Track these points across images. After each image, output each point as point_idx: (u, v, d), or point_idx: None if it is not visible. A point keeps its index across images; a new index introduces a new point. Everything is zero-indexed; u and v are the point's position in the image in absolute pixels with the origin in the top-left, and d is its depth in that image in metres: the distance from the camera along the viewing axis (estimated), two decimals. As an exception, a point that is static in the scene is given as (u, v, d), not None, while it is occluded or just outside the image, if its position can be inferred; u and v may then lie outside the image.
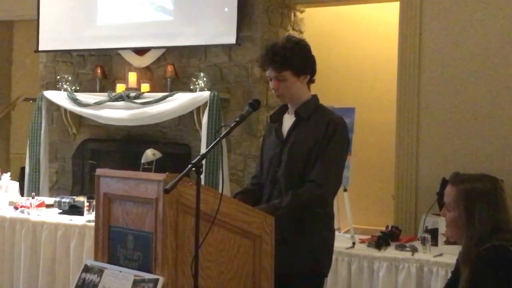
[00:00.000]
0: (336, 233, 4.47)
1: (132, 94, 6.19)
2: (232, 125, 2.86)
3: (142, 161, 5.57)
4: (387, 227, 4.59)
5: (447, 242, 3.91)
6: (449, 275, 2.90)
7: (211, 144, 3.11)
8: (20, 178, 6.92)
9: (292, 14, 6.42)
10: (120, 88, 6.41)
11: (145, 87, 6.33)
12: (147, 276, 2.72)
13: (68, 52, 6.90)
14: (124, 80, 6.48)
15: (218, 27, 6.03)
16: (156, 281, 2.66)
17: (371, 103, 6.65)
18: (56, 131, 6.94)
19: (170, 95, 6.00)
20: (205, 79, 5.94)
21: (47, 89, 6.82)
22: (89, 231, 4.72)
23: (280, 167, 3.13)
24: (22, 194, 6.04)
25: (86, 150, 6.84)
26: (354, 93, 6.69)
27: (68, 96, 6.49)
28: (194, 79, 5.97)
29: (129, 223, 2.89)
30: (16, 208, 5.28)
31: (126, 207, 2.91)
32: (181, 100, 5.95)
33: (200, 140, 5.87)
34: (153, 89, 6.30)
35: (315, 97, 3.22)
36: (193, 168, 2.59)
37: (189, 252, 2.66)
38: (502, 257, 2.46)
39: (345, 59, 7.03)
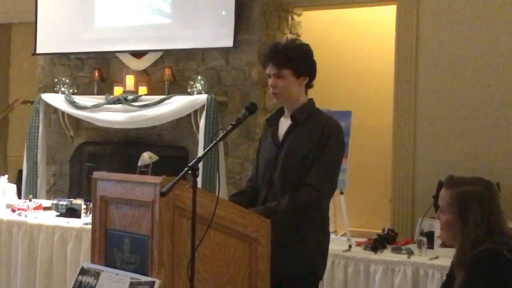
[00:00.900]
0: (333, 236, 4.50)
1: (130, 97, 6.20)
2: (229, 128, 2.87)
3: (139, 164, 5.57)
4: (383, 230, 4.60)
5: (443, 245, 3.92)
6: (445, 278, 2.91)
7: (208, 147, 3.13)
8: (17, 180, 6.92)
9: (290, 17, 6.44)
10: (117, 91, 6.42)
11: (142, 90, 6.34)
12: (143, 278, 2.73)
13: (66, 55, 6.92)
14: (122, 83, 6.49)
15: (215, 30, 6.05)
16: (152, 284, 2.67)
17: (367, 106, 6.66)
18: (53, 134, 6.94)
19: (168, 98, 6.01)
20: (202, 82, 5.95)
21: (44, 92, 6.83)
22: (86, 233, 4.72)
23: (276, 171, 3.14)
24: (19, 196, 6.04)
25: (84, 153, 6.85)
26: (351, 97, 6.70)
27: (66, 99, 6.50)
28: (192, 82, 5.98)
29: (125, 226, 2.90)
30: (13, 210, 5.28)
31: (123, 210, 2.92)
32: (178, 103, 5.96)
33: (198, 143, 5.88)
34: (150, 92, 6.31)
35: (311, 101, 3.23)
36: (190, 171, 2.60)
37: (185, 255, 2.66)
38: (496, 260, 2.47)
39: (342, 62, 7.05)
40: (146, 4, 6.44)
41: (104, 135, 6.73)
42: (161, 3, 6.39)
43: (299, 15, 6.53)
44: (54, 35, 6.86)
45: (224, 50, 6.10)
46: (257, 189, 3.26)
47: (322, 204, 3.12)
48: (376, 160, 6.60)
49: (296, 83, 3.15)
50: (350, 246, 4.31)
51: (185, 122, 6.19)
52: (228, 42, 5.94)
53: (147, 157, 5.57)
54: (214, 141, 2.84)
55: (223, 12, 5.98)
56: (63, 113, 6.66)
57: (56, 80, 6.75)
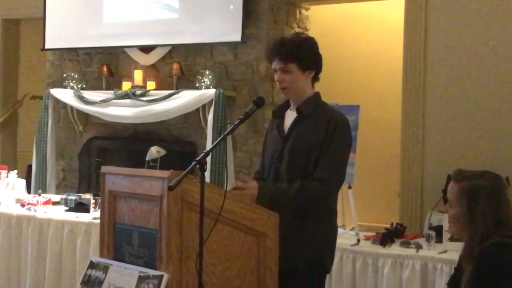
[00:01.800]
0: (341, 230, 4.51)
1: (138, 92, 6.21)
2: (236, 122, 2.87)
3: (147, 158, 5.59)
4: (392, 224, 4.60)
5: (452, 239, 3.91)
6: (453, 271, 2.91)
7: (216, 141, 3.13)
8: (27, 175, 6.96)
9: (298, 11, 6.43)
10: (126, 86, 6.43)
11: (151, 85, 6.35)
12: (152, 272, 2.74)
13: (75, 50, 6.93)
14: (130, 78, 6.50)
15: (223, 25, 6.04)
16: (160, 278, 2.68)
17: (376, 100, 6.65)
18: (62, 129, 6.96)
19: (176, 93, 6.02)
20: (210, 77, 5.96)
21: (53, 87, 6.85)
22: (95, 228, 4.74)
23: (282, 163, 3.15)
24: (29, 191, 6.07)
25: (93, 148, 6.87)
26: (359, 91, 6.68)
27: (75, 94, 6.51)
28: (200, 77, 5.98)
29: (134, 220, 2.91)
30: (22, 205, 5.31)
31: (131, 204, 2.93)
32: (186, 98, 5.97)
33: (206, 138, 5.89)
34: (159, 87, 6.32)
35: (317, 94, 3.23)
36: (197, 165, 2.61)
37: (193, 248, 2.67)
38: (504, 253, 2.47)
39: (350, 56, 7.03)
40: (154, -1, 6.45)
41: (113, 130, 6.75)
42: (169, -2, 6.40)
43: (307, 9, 6.52)
44: (62, 30, 6.87)
45: (232, 45, 6.10)
46: (263, 181, 3.26)
47: (329, 197, 3.13)
48: (384, 154, 6.59)
49: (302, 77, 3.15)
50: (358, 240, 4.31)
51: (194, 116, 6.19)
52: (236, 37, 5.94)
53: (154, 151, 5.58)
54: (222, 135, 2.84)
55: (231, 7, 5.98)
56: (72, 108, 6.68)
57: (65, 75, 6.77)
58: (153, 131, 6.50)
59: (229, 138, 5.53)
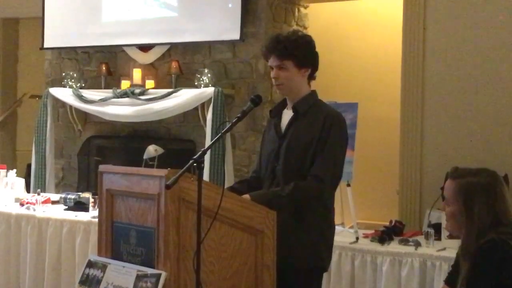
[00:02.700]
0: (340, 228, 4.51)
1: (137, 91, 6.21)
2: (234, 120, 2.88)
3: (144, 157, 5.59)
4: (390, 222, 4.60)
5: (451, 237, 3.90)
6: (450, 268, 2.91)
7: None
8: (26, 174, 6.95)
9: (296, 9, 6.43)
10: (124, 84, 6.43)
11: (149, 83, 6.35)
12: (149, 271, 2.75)
13: (73, 49, 6.93)
14: (129, 76, 6.50)
15: (222, 23, 6.04)
16: (158, 276, 2.69)
17: (374, 98, 6.64)
18: (61, 128, 6.97)
19: (175, 92, 6.02)
20: (209, 75, 5.96)
21: (52, 86, 6.85)
22: (94, 227, 4.73)
23: (279, 162, 3.15)
24: (28, 190, 6.06)
25: (92, 146, 6.87)
26: (358, 88, 6.68)
27: (73, 93, 6.51)
28: (199, 75, 5.98)
29: (131, 218, 2.91)
30: (22, 204, 5.31)
31: (129, 203, 2.93)
32: (185, 96, 5.97)
33: (205, 136, 5.89)
34: (157, 86, 6.32)
35: (313, 93, 3.23)
36: (194, 164, 2.61)
37: (191, 247, 2.68)
38: (501, 251, 2.47)
39: (349, 54, 7.03)
40: (153, -2, 6.44)
41: (112, 129, 6.75)
42: (167, -4, 6.40)
43: (305, 7, 6.52)
44: (61, 29, 6.87)
45: (230, 43, 6.10)
46: (260, 179, 3.26)
47: (325, 195, 3.12)
48: (383, 152, 6.58)
49: (298, 74, 3.15)
50: (357, 238, 4.31)
51: (193, 115, 6.19)
52: (235, 35, 5.94)
53: (152, 150, 5.58)
54: (219, 134, 2.85)
55: (230, 5, 5.98)
56: (71, 107, 6.68)
57: (63, 74, 6.76)
58: (152, 129, 6.51)
59: (227, 136, 5.54)
